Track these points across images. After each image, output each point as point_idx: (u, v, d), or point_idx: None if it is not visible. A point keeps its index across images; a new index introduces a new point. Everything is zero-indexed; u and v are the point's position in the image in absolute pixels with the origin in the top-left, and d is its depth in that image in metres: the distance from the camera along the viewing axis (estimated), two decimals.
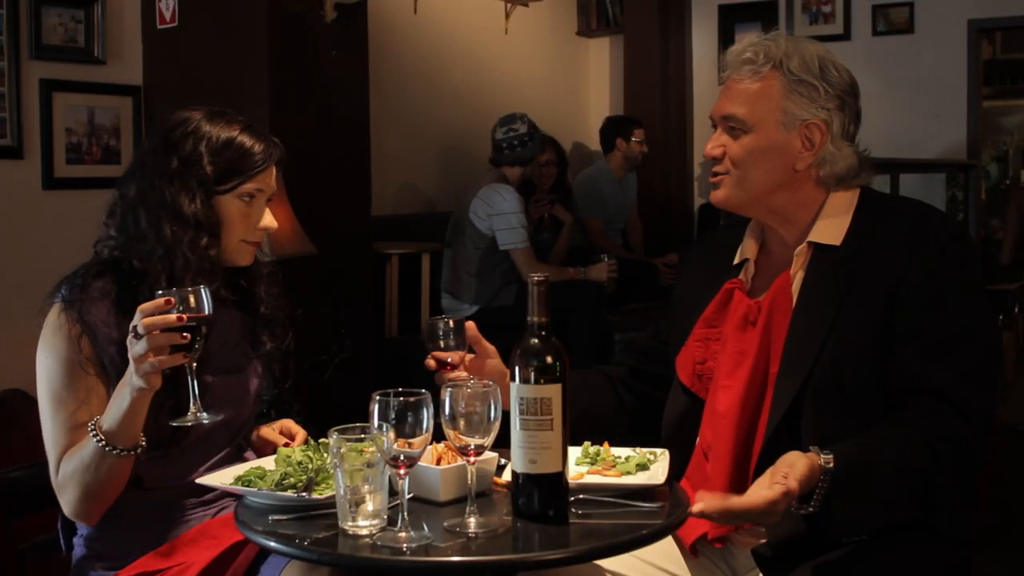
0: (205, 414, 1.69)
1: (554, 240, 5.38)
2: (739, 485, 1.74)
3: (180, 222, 1.81)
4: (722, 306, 1.87)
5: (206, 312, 1.64)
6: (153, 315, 1.60)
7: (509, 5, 5.87)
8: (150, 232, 1.82)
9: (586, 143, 6.80)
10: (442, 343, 1.83)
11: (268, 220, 1.92)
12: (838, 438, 1.66)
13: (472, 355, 1.86)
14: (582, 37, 6.93)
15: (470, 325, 1.84)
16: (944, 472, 1.61)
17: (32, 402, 1.87)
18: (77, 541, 1.88)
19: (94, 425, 1.70)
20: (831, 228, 1.77)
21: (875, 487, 1.60)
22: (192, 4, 3.77)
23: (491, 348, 1.88)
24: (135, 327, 1.61)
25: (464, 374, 1.83)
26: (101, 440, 1.69)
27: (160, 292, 1.63)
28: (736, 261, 1.90)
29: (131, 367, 1.63)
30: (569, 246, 5.44)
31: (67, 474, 1.74)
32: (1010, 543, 3.46)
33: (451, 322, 1.83)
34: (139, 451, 1.72)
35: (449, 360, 1.82)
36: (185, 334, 1.61)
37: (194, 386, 1.69)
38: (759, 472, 1.69)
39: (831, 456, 1.55)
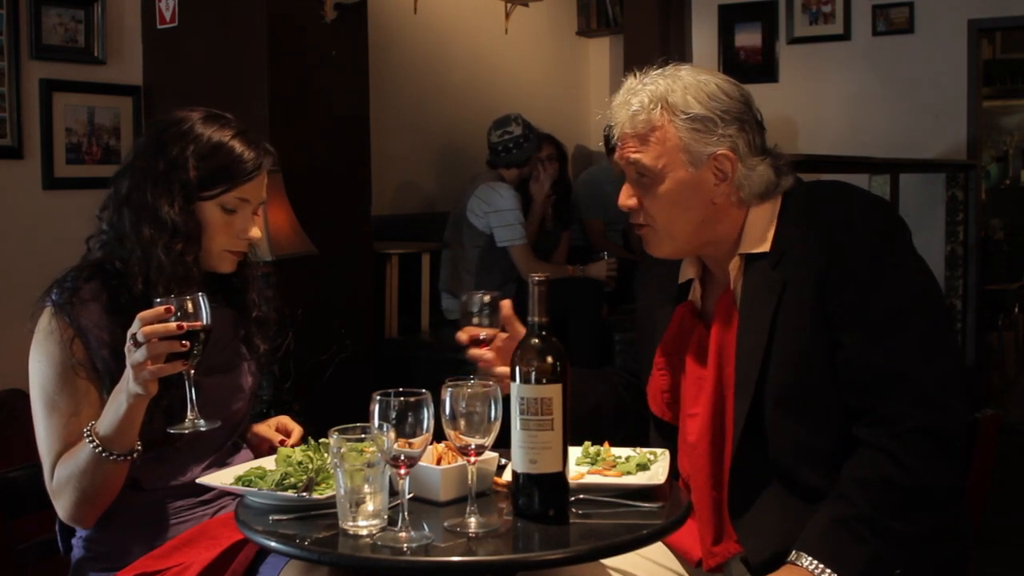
0: (202, 421, 1.69)
1: (557, 237, 5.36)
2: (721, 511, 1.75)
3: (157, 225, 1.81)
4: (677, 331, 1.85)
5: (205, 320, 1.64)
6: (152, 323, 1.59)
7: (509, 5, 5.87)
8: (131, 233, 1.82)
9: (586, 143, 6.80)
10: (476, 319, 1.81)
11: (253, 231, 1.89)
12: (803, 445, 1.66)
13: (505, 335, 1.83)
14: (582, 37, 6.93)
15: (505, 304, 1.83)
16: (918, 467, 1.57)
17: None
18: (76, 542, 1.88)
19: (90, 430, 1.70)
20: (759, 235, 1.74)
21: (854, 529, 1.58)
22: (192, 4, 3.77)
23: (522, 330, 1.82)
24: (134, 335, 1.60)
25: (490, 354, 1.81)
26: (97, 446, 1.68)
27: (159, 300, 1.63)
28: (680, 281, 1.88)
29: (128, 373, 1.63)
30: (569, 245, 5.44)
31: (62, 479, 1.74)
32: (1010, 543, 3.46)
33: (487, 297, 1.82)
34: (135, 456, 1.72)
35: (482, 336, 1.81)
36: (184, 342, 1.61)
37: (192, 393, 1.69)
38: (732, 493, 1.71)
39: (796, 551, 1.59)
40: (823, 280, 1.64)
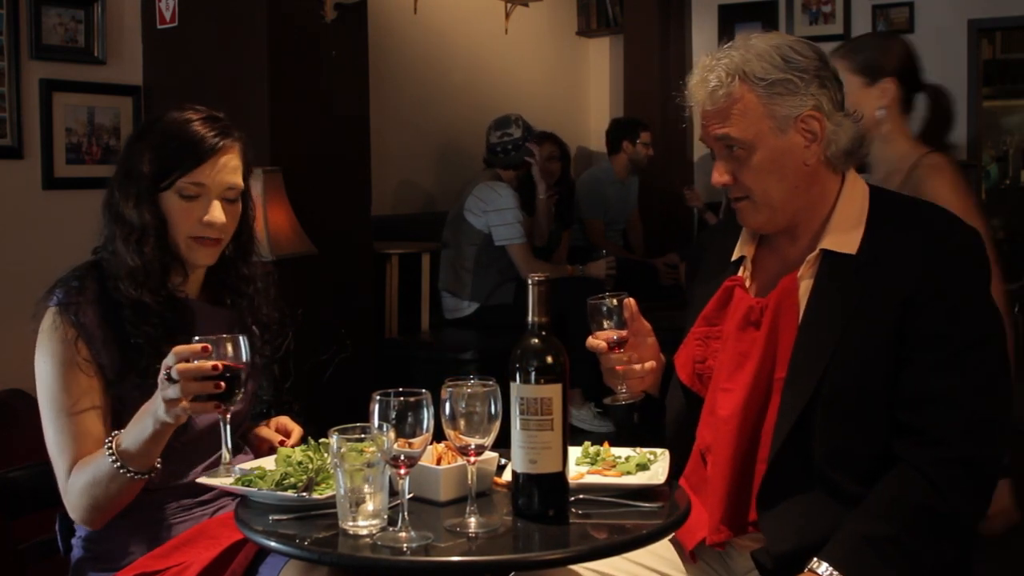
0: (237, 468, 1.62)
1: (558, 236, 5.36)
2: (740, 491, 1.73)
3: (120, 223, 1.82)
4: (722, 304, 1.84)
5: (244, 361, 1.60)
6: (188, 360, 1.56)
7: (509, 5, 5.87)
8: (108, 231, 1.84)
9: (586, 143, 6.80)
10: (606, 323, 1.81)
11: (213, 214, 1.83)
12: (848, 451, 1.66)
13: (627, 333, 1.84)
14: (582, 37, 6.93)
15: (630, 303, 1.83)
16: (954, 497, 1.59)
17: (32, 402, 1.87)
18: (75, 542, 1.88)
19: (111, 445, 1.68)
20: (845, 234, 1.73)
21: (882, 549, 1.58)
22: (192, 4, 3.77)
23: (647, 326, 1.87)
24: (169, 368, 1.57)
25: (635, 354, 1.83)
26: (116, 460, 1.67)
27: (197, 337, 1.59)
28: (733, 258, 1.88)
29: (158, 401, 1.60)
30: (569, 245, 5.44)
31: (78, 486, 1.73)
32: (1010, 543, 3.46)
33: (614, 300, 1.82)
34: (153, 474, 1.72)
35: (616, 337, 1.81)
36: (220, 383, 1.57)
37: (227, 437, 1.62)
38: (766, 486, 1.70)
39: (817, 559, 1.59)
40: (910, 300, 1.64)
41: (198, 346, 1.57)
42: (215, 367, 1.57)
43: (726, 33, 6.36)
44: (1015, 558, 3.41)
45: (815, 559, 1.59)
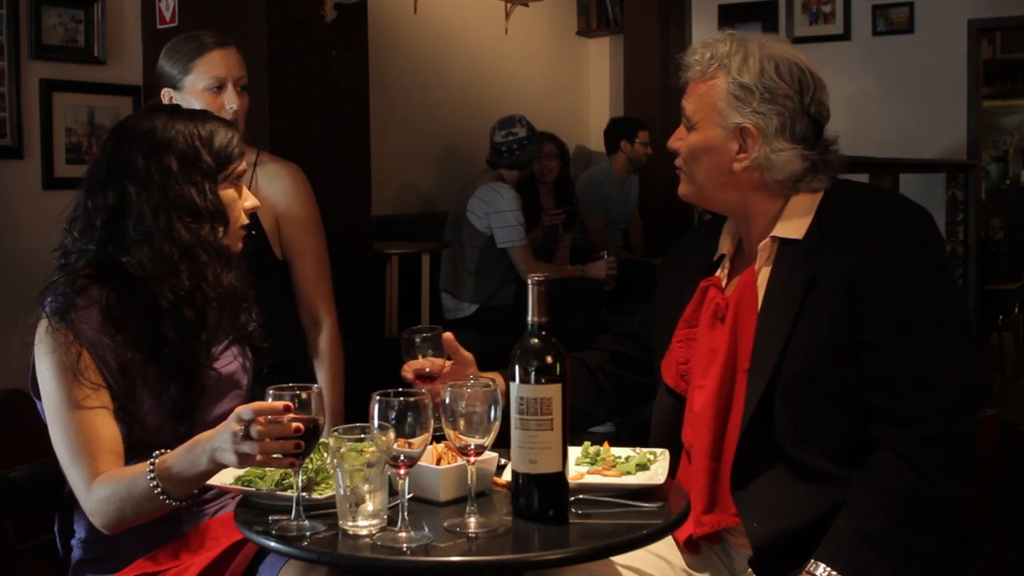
0: (307, 523, 1.54)
1: (556, 239, 5.37)
2: (719, 483, 1.76)
3: (195, 217, 1.80)
4: (699, 304, 1.87)
5: (320, 413, 1.56)
6: (267, 416, 1.51)
7: (509, 5, 5.88)
8: (158, 234, 1.78)
9: (586, 143, 6.80)
10: (420, 356, 1.82)
11: (252, 200, 1.91)
12: (812, 433, 1.68)
13: (451, 363, 1.85)
14: (582, 37, 6.94)
15: (447, 337, 1.84)
16: (939, 478, 1.58)
17: (32, 402, 1.87)
18: (74, 543, 1.87)
19: (154, 471, 1.65)
20: (794, 223, 1.77)
21: (878, 544, 1.57)
22: (192, 4, 3.76)
23: (469, 357, 1.88)
24: (246, 423, 1.52)
25: (437, 388, 1.80)
26: (157, 486, 1.65)
27: (272, 392, 1.55)
28: (715, 258, 1.91)
29: (223, 441, 1.56)
30: (570, 246, 5.45)
31: (103, 496, 1.70)
32: (1010, 543, 3.46)
33: (426, 335, 1.83)
34: (189, 501, 1.71)
35: (428, 370, 1.81)
36: (300, 443, 1.53)
37: (300, 498, 1.55)
38: (735, 470, 1.72)
39: (814, 560, 1.58)
40: (855, 279, 1.66)
41: (279, 404, 1.52)
42: (297, 428, 1.52)
43: None
44: (1015, 558, 3.41)
45: (812, 560, 1.59)
